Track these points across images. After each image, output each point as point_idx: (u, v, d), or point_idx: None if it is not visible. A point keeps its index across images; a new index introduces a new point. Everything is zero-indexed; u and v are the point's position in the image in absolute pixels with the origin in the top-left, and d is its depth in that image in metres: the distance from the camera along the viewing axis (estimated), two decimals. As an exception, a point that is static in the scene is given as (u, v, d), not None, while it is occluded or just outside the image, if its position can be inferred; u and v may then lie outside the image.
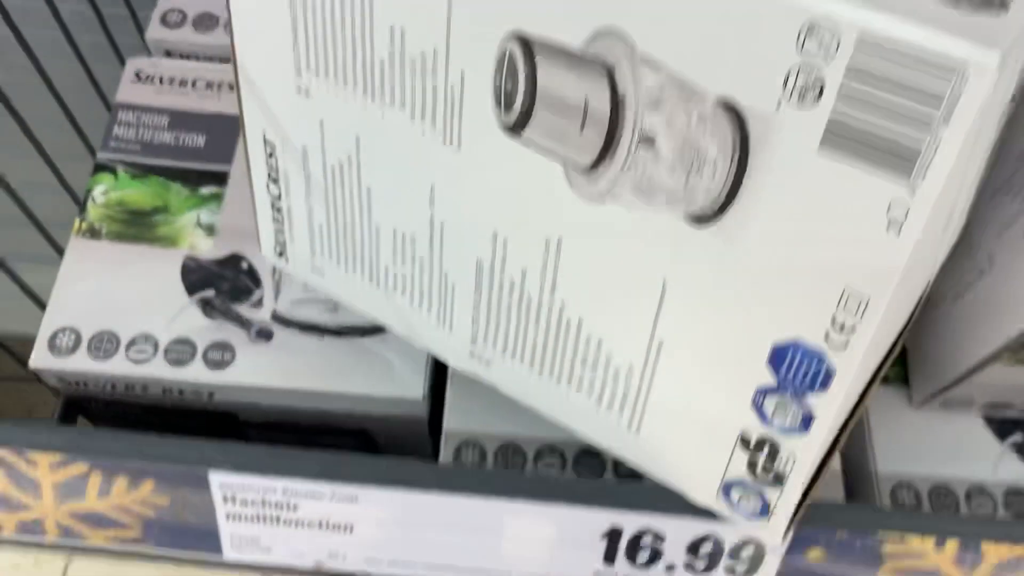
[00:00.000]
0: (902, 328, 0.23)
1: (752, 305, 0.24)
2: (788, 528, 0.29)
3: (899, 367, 0.40)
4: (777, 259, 0.23)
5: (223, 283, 0.42)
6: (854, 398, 0.25)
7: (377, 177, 0.30)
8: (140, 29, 0.57)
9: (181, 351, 0.40)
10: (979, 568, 0.31)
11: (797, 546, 0.31)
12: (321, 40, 0.27)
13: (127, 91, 0.46)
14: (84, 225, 0.43)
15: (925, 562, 0.31)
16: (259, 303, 0.41)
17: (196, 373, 0.39)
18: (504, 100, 0.25)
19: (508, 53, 0.24)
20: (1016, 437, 0.39)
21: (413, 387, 0.39)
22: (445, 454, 0.37)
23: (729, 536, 0.30)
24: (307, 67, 0.29)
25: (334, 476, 0.30)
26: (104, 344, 0.40)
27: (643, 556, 0.31)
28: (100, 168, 0.44)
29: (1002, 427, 0.39)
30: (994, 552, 0.30)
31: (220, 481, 0.31)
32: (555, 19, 0.23)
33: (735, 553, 0.31)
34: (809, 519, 0.30)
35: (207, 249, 0.42)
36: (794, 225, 0.22)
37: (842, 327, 0.23)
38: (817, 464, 0.27)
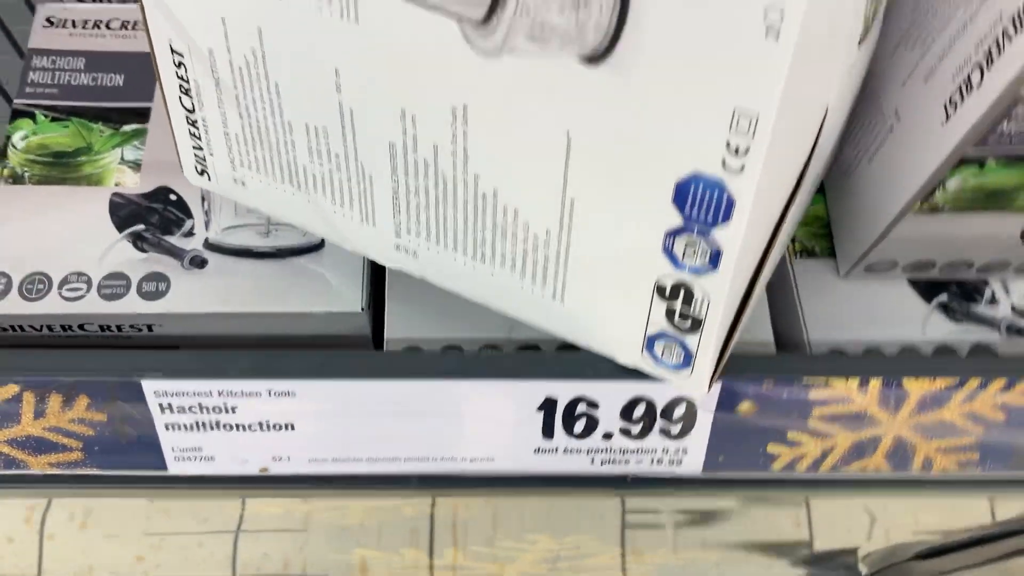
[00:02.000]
0: (805, 161, 0.23)
1: (651, 144, 0.25)
2: (712, 377, 0.29)
3: (825, 240, 0.41)
4: (669, 88, 0.23)
5: (153, 216, 0.41)
6: (764, 234, 0.25)
7: (283, 69, 0.30)
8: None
9: (115, 285, 0.40)
10: (904, 406, 0.32)
11: (727, 401, 0.31)
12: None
13: (39, 37, 0.46)
14: (6, 172, 0.42)
15: (852, 406, 0.32)
16: (191, 233, 0.41)
17: (132, 305, 0.39)
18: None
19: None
20: (942, 297, 0.40)
21: (351, 301, 0.39)
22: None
23: (659, 395, 0.31)
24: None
25: (267, 372, 0.31)
26: (36, 285, 0.40)
27: (579, 426, 0.32)
28: (18, 114, 0.44)
29: (927, 289, 0.40)
30: (916, 388, 0.31)
31: (154, 389, 0.31)
32: None
33: (668, 413, 0.32)
34: (734, 370, 0.30)
35: (134, 185, 0.42)
36: (680, 48, 0.22)
37: (736, 150, 0.23)
38: (734, 307, 0.27)
